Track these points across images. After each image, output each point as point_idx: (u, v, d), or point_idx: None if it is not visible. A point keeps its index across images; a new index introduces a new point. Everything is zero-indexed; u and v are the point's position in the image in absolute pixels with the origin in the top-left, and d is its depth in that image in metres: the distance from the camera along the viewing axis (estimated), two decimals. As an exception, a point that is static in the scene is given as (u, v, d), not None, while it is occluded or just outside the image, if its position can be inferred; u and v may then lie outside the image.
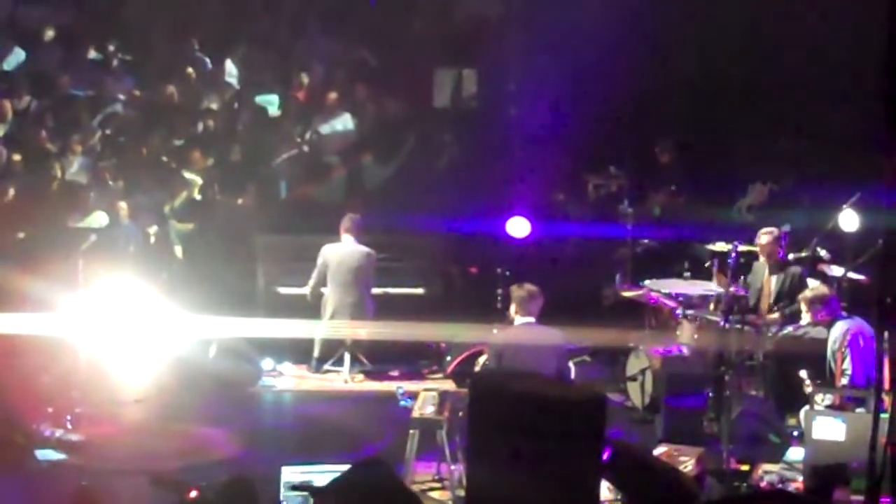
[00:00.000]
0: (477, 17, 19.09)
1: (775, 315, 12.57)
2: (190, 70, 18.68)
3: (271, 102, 18.29)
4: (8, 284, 12.25)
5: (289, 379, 13.93)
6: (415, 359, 14.15)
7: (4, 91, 17.87)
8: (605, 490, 7.82)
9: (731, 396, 11.33)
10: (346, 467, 7.21)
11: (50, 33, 19.24)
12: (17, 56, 18.92)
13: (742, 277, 12.74)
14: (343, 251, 13.82)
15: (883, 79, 6.22)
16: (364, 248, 13.87)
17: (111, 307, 12.38)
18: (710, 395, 11.84)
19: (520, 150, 16.56)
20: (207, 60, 19.07)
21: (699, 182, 15.86)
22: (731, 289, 12.18)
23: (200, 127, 17.46)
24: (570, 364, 11.50)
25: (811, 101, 15.91)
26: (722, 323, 12.05)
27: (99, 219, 14.93)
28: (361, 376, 13.87)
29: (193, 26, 19.34)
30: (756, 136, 16.10)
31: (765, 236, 12.90)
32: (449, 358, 13.51)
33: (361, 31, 19.15)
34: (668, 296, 13.20)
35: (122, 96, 18.20)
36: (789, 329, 12.15)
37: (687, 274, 13.98)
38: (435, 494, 10.42)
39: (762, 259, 12.99)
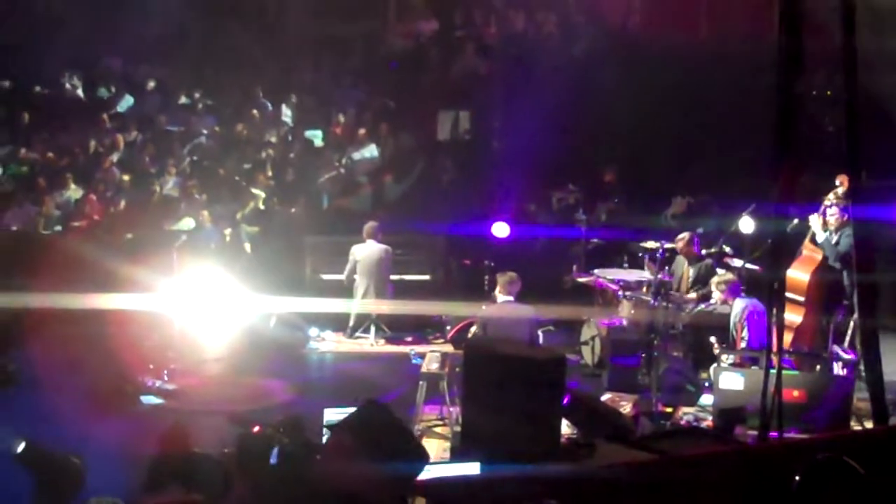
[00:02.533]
0: (470, 72, 19.13)
1: (692, 295, 12.58)
2: (255, 111, 18.73)
3: (316, 136, 18.33)
4: (121, 273, 12.28)
5: (329, 343, 13.87)
6: (423, 328, 14.10)
7: (118, 128, 17.94)
8: (565, 426, 7.82)
9: (659, 357, 11.33)
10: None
11: (151, 84, 19.33)
12: (127, 101, 19.02)
13: (667, 267, 12.74)
14: (367, 249, 13.79)
15: (771, 119, 6.29)
16: (383, 246, 13.82)
17: (198, 290, 12.41)
18: (643, 355, 11.81)
19: (501, 172, 16.55)
20: (269, 104, 19.10)
21: (635, 196, 15.86)
22: (659, 276, 12.18)
23: (263, 154, 17.48)
24: (539, 332, 11.51)
25: (719, 137, 15.96)
26: (652, 302, 12.05)
27: (188, 223, 14.94)
28: (383, 341, 13.83)
29: (258, 79, 19.41)
30: (678, 162, 16.11)
31: (680, 241, 12.84)
32: (448, 327, 13.49)
33: (383, 84, 19.20)
34: (612, 281, 13.19)
35: (205, 131, 18.23)
36: (702, 306, 12.14)
37: (626, 265, 13.98)
38: (438, 430, 10.42)
39: (681, 255, 13.00)
